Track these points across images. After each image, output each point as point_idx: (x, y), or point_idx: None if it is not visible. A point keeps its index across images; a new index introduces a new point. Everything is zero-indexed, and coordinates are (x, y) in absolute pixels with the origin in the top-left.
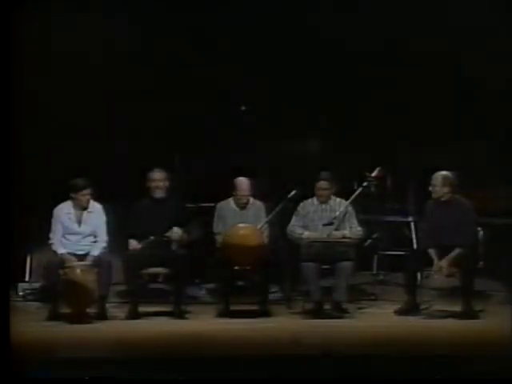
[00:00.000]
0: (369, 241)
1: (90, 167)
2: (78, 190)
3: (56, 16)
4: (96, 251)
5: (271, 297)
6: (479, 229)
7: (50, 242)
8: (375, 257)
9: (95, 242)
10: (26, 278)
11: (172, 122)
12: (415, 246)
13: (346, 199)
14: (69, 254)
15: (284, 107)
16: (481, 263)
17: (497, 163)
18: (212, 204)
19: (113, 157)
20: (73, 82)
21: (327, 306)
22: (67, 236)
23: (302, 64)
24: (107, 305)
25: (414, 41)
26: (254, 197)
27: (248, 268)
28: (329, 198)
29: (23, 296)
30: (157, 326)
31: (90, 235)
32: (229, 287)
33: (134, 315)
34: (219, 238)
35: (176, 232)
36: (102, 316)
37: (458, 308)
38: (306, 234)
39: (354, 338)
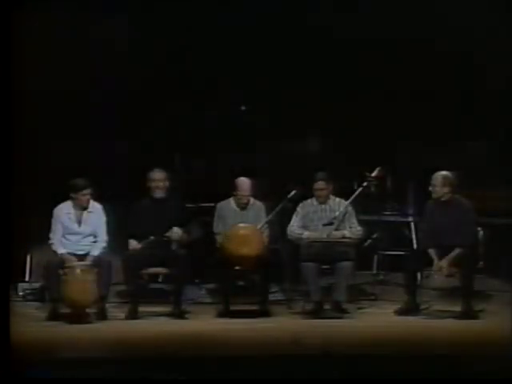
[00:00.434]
0: (369, 241)
1: (89, 167)
2: (78, 190)
3: (56, 16)
4: (96, 251)
5: (271, 297)
6: (479, 229)
7: (50, 242)
8: (375, 257)
9: (95, 241)
10: (26, 278)
11: (172, 122)
12: (415, 246)
13: (346, 199)
14: (69, 253)
15: (284, 107)
16: (481, 263)
17: (497, 163)
18: (212, 204)
19: (113, 157)
20: (73, 81)
21: (327, 306)
22: (67, 236)
23: (302, 64)
24: (107, 305)
25: (414, 41)
26: (255, 197)
27: (248, 268)
28: (327, 197)
29: (23, 296)
30: (157, 325)
31: (89, 235)
32: (229, 287)
33: (134, 315)
34: (219, 238)
35: (176, 232)
36: (102, 316)
37: (458, 308)
38: (306, 234)
39: (354, 338)
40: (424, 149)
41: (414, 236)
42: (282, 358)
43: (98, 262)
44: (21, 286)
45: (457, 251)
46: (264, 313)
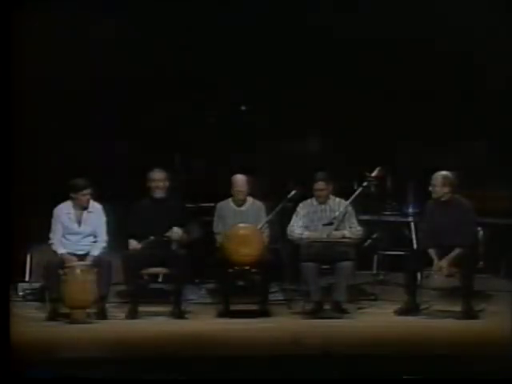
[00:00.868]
0: (369, 241)
1: (89, 167)
2: (78, 190)
3: (56, 16)
4: (96, 251)
5: (271, 297)
6: (479, 229)
7: (50, 242)
8: (375, 257)
9: (95, 242)
10: (26, 278)
11: (172, 122)
12: (415, 245)
13: (346, 199)
14: (69, 254)
15: (284, 107)
16: (481, 263)
17: (497, 163)
18: (212, 204)
19: (113, 157)
20: (73, 81)
21: (327, 306)
22: (67, 236)
23: (302, 64)
24: (107, 305)
25: (414, 41)
26: (254, 197)
27: (248, 268)
28: (327, 197)
29: (23, 296)
30: (157, 326)
31: (89, 235)
32: (229, 287)
33: (134, 315)
34: (219, 238)
35: (176, 232)
36: (102, 316)
37: (458, 308)
38: (306, 234)
39: (354, 338)
40: (424, 149)
41: (414, 236)
42: (281, 358)
43: (98, 262)
44: (21, 285)
45: (457, 251)
46: (264, 313)
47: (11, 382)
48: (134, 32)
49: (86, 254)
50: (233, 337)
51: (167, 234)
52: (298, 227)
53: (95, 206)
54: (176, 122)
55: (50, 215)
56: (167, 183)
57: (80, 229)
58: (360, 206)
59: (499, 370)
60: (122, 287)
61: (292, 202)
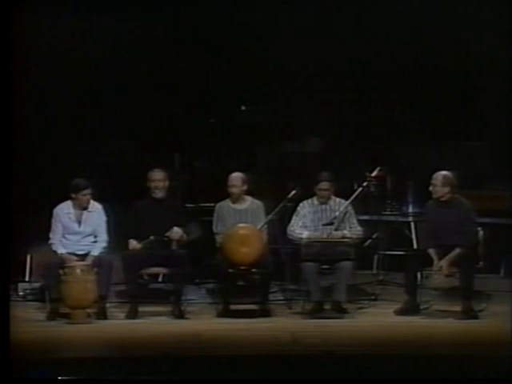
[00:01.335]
0: (369, 241)
1: (89, 167)
2: (79, 191)
3: (56, 15)
4: (96, 251)
5: (271, 297)
6: (479, 229)
7: (50, 241)
8: (375, 257)
9: (95, 241)
10: (26, 278)
11: (172, 122)
12: (415, 245)
13: (346, 199)
14: (69, 253)
15: (284, 107)
16: (481, 263)
17: (497, 163)
18: (212, 204)
19: (113, 157)
20: (73, 81)
21: (327, 306)
22: (67, 236)
23: (303, 64)
24: (107, 305)
25: (414, 41)
26: (254, 196)
27: (248, 268)
28: (329, 198)
29: (23, 296)
30: (157, 326)
31: (89, 235)
32: (229, 287)
33: (134, 315)
34: (219, 238)
35: (176, 232)
36: (102, 316)
37: (458, 308)
38: (306, 234)
39: (354, 338)
40: (424, 149)
41: (414, 236)
42: (282, 358)
43: (97, 262)
44: (21, 285)
45: (457, 251)
46: (264, 313)
47: (11, 382)
48: (134, 31)
49: (86, 254)
50: (233, 337)
51: (167, 234)
52: (298, 227)
53: (95, 206)
54: (176, 122)
55: (50, 215)
56: (167, 183)
57: (80, 229)
58: (360, 206)
59: (499, 370)
60: (122, 287)
61: (292, 202)
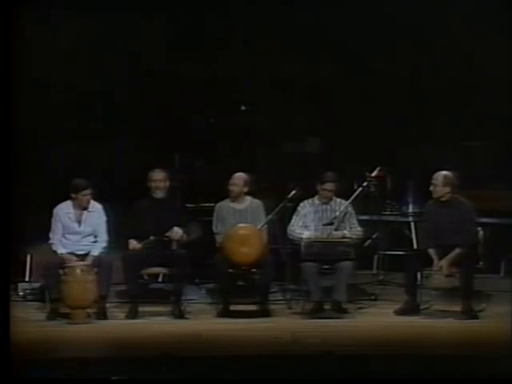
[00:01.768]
0: (369, 241)
1: (89, 167)
2: (79, 191)
3: (56, 15)
4: (96, 251)
5: (271, 297)
6: (479, 229)
7: (50, 241)
8: (375, 257)
9: (95, 241)
10: (26, 278)
11: (172, 122)
12: (415, 245)
13: (346, 199)
14: (69, 253)
15: (284, 107)
16: (481, 263)
17: (497, 163)
18: (212, 204)
19: (113, 157)
20: (73, 81)
21: (327, 306)
22: (67, 236)
23: (303, 64)
24: (107, 305)
25: (414, 41)
26: (254, 196)
27: (248, 268)
28: (331, 198)
29: (23, 296)
30: (157, 326)
31: (90, 235)
32: (229, 287)
33: (134, 315)
34: (219, 238)
35: (176, 232)
36: (102, 316)
37: (458, 308)
38: (306, 233)
39: (354, 338)
40: (424, 149)
41: (414, 236)
42: (282, 358)
43: (97, 262)
44: (21, 285)
45: (457, 251)
46: (264, 313)
47: (11, 382)
48: (134, 31)
49: (86, 254)
50: (233, 337)
51: (167, 234)
52: (298, 227)
53: (95, 206)
54: (176, 122)
55: (49, 215)
56: (167, 183)
57: (80, 229)
58: (360, 206)
59: (499, 370)
60: (122, 287)
61: (292, 202)
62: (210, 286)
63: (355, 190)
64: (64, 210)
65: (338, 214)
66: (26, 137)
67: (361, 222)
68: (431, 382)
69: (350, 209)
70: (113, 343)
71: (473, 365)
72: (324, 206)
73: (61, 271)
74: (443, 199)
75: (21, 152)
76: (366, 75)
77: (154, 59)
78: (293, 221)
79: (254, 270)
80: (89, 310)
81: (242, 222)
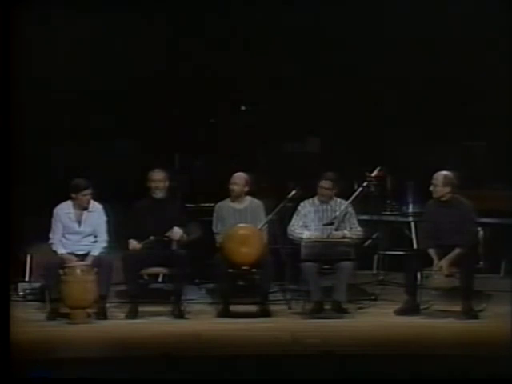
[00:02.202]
0: (369, 241)
1: (89, 167)
2: (79, 191)
3: (56, 15)
4: (96, 251)
5: (271, 297)
6: (479, 229)
7: (50, 241)
8: (375, 257)
9: (95, 241)
10: (26, 278)
11: (172, 122)
12: (415, 245)
13: (346, 199)
14: (69, 253)
15: (284, 107)
16: (481, 263)
17: (497, 163)
18: (212, 204)
19: (113, 157)
20: (73, 81)
21: (327, 306)
22: (67, 236)
23: (303, 64)
24: (107, 305)
25: (414, 41)
26: (254, 195)
27: (248, 268)
28: (331, 198)
29: (23, 296)
30: (157, 325)
31: (90, 235)
32: (229, 287)
33: (134, 315)
34: (219, 238)
35: (176, 232)
36: (102, 316)
37: (458, 308)
38: (307, 233)
39: (353, 338)
40: (424, 149)
41: (414, 236)
42: (282, 358)
43: (97, 262)
44: (21, 285)
45: (457, 251)
46: (264, 313)
47: (11, 382)
48: (134, 31)
49: (86, 254)
50: (233, 337)
51: (167, 234)
52: (298, 227)
53: (95, 206)
54: (176, 122)
55: (49, 215)
56: (167, 183)
57: (80, 229)
58: (360, 206)
59: (499, 370)
60: (122, 287)
61: (292, 202)
62: (210, 286)
63: (355, 190)
64: (64, 210)
65: (338, 213)
66: (26, 137)
67: (361, 222)
68: (431, 381)
69: (350, 209)
70: (113, 343)
71: (473, 365)
72: (324, 206)
73: (61, 271)
74: (443, 199)
75: (21, 152)
76: (365, 75)
77: (154, 59)
78: (293, 221)
79: (254, 270)
80: (89, 310)
81: (242, 221)
